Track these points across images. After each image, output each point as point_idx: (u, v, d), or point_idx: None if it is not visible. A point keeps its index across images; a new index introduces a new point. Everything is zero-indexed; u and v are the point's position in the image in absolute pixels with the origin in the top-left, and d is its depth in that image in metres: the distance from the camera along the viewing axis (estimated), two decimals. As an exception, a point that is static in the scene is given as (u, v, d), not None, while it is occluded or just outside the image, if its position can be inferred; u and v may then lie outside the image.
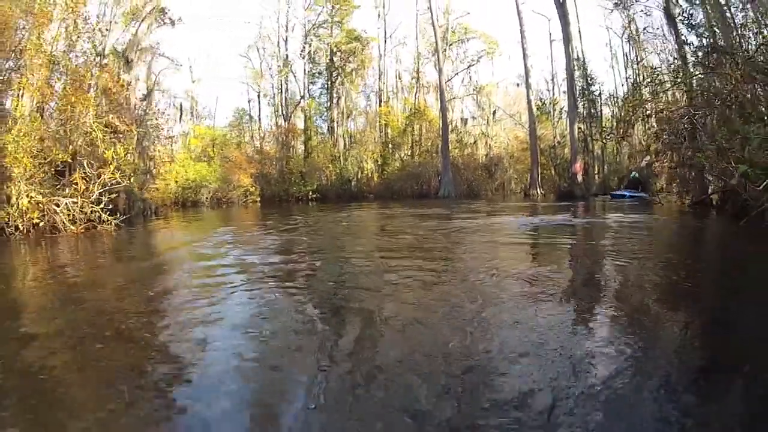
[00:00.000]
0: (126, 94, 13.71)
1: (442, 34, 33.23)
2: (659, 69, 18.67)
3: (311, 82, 35.32)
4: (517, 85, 34.87)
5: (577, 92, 27.85)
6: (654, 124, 15.77)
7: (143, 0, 18.67)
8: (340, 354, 2.66)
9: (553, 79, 35.03)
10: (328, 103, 34.83)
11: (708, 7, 14.73)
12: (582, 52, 30.84)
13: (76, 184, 9.05)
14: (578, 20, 30.09)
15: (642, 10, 23.09)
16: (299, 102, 33.98)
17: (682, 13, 16.38)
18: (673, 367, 2.41)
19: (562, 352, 2.58)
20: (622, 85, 30.80)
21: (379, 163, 32.62)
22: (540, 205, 18.48)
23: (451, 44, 35.82)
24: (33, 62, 9.83)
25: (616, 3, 26.91)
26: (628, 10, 26.33)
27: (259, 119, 35.98)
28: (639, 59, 27.61)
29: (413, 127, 33.72)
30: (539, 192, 27.54)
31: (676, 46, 17.14)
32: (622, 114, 19.85)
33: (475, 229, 9.45)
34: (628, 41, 29.45)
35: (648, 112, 15.53)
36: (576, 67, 28.39)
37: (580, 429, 1.83)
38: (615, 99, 31.22)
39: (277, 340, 3.04)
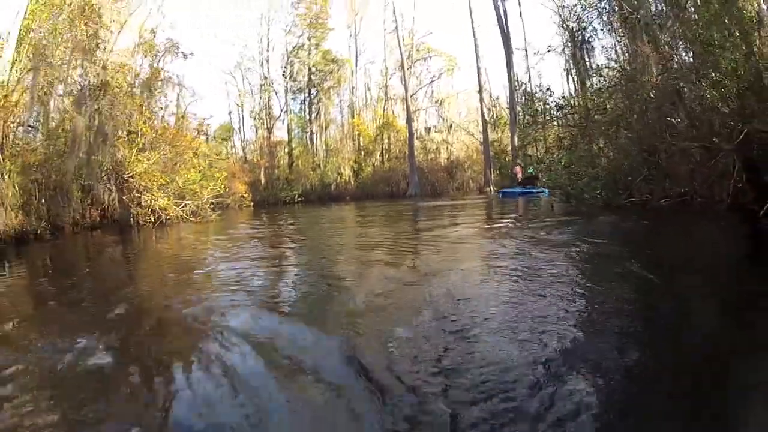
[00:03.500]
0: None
1: (407, 53, 40.67)
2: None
3: (292, 98, 42.53)
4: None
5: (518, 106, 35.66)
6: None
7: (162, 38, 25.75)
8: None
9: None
10: (308, 117, 42.32)
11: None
12: (528, 67, 38.62)
13: (193, 191, 16.50)
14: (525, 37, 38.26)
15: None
16: (280, 116, 41.48)
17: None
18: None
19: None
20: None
21: (355, 169, 39.67)
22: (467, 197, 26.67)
23: (415, 61, 42.78)
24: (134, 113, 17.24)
25: (534, 52, 34.93)
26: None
27: (243, 132, 43.09)
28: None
29: (383, 136, 41.09)
30: (492, 189, 34.82)
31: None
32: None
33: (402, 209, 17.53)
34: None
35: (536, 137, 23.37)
36: (517, 86, 36.39)
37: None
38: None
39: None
